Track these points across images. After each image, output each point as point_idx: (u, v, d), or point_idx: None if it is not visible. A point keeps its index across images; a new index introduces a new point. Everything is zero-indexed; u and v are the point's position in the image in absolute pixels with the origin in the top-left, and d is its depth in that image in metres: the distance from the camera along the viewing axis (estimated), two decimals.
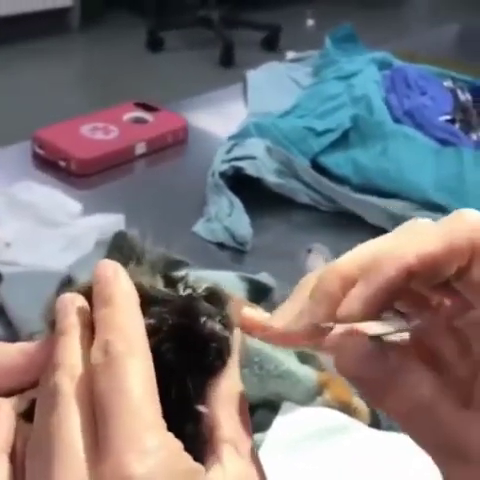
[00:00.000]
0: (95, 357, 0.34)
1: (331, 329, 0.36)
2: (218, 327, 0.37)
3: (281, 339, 0.37)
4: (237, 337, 0.39)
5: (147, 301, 0.38)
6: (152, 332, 0.36)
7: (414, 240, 0.35)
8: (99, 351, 0.34)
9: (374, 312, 0.35)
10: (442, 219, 0.36)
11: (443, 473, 0.36)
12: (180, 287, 0.40)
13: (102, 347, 0.34)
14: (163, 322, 0.37)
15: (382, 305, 0.34)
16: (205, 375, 0.37)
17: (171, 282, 0.40)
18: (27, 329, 0.79)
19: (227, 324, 0.38)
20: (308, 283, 0.38)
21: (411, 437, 0.36)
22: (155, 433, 0.32)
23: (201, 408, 0.37)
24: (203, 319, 0.37)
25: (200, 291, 0.39)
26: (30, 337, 0.78)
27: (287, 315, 0.37)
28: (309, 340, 0.37)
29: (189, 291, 0.39)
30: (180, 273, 0.41)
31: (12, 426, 0.37)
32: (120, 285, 0.37)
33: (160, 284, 0.40)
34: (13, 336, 0.80)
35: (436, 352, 0.37)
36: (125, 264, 0.42)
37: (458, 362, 0.37)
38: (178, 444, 0.33)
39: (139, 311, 0.37)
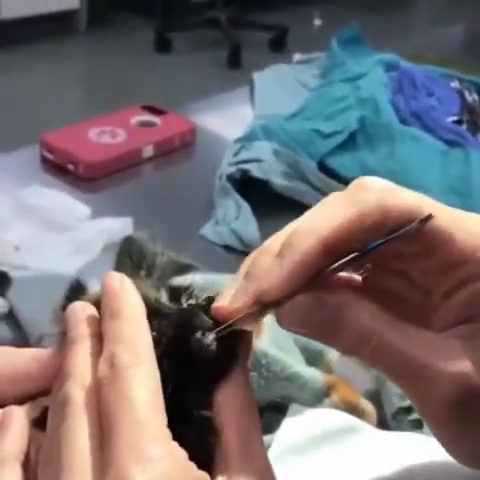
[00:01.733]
0: (102, 369, 0.34)
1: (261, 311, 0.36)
2: (210, 342, 0.37)
3: (228, 317, 0.37)
4: (247, 341, 0.39)
5: (151, 314, 0.38)
6: (154, 344, 0.37)
7: (326, 214, 0.36)
8: (106, 363, 0.35)
9: (293, 287, 0.36)
10: (346, 190, 0.37)
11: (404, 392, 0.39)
12: (183, 299, 0.40)
13: (109, 359, 0.35)
14: (163, 335, 0.37)
15: (300, 279, 0.36)
16: (208, 383, 0.37)
17: (176, 294, 0.40)
18: (37, 332, 0.80)
19: (227, 333, 0.38)
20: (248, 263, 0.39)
21: (371, 366, 0.38)
22: (159, 443, 0.33)
23: (208, 414, 0.37)
24: (198, 333, 0.37)
25: (200, 301, 0.40)
26: (40, 340, 0.79)
27: (227, 296, 0.38)
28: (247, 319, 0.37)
29: (192, 302, 0.39)
30: (185, 283, 0.41)
31: (26, 434, 0.37)
32: (127, 297, 0.37)
33: (164, 296, 0.40)
34: (23, 339, 0.81)
35: (385, 289, 0.39)
36: (135, 271, 0.42)
37: (408, 293, 0.40)
38: (183, 453, 0.33)
39: (146, 323, 0.37)
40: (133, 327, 0.36)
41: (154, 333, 0.37)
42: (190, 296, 0.40)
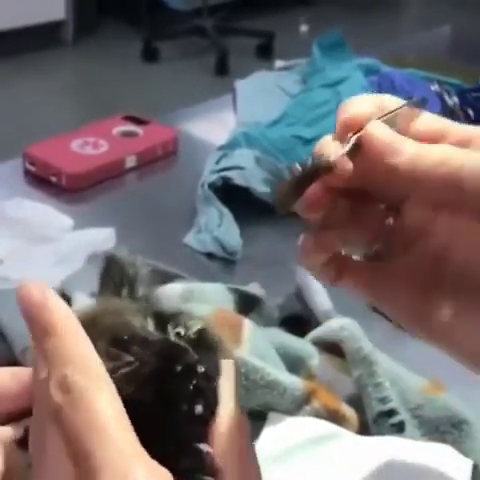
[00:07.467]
0: (56, 395, 0.33)
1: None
2: (200, 382, 0.37)
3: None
4: (231, 367, 0.39)
5: (134, 341, 0.38)
6: (132, 372, 0.36)
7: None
8: (59, 389, 0.33)
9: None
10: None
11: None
12: (170, 327, 0.39)
13: (62, 383, 0.33)
14: (143, 364, 0.37)
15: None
16: (195, 421, 0.37)
17: (162, 321, 0.40)
18: (20, 344, 0.80)
19: (216, 368, 0.38)
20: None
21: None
22: (141, 463, 0.32)
23: (201, 446, 0.37)
24: (180, 368, 0.37)
25: (190, 332, 0.39)
26: (23, 353, 0.79)
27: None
28: None
29: (180, 330, 0.39)
30: (172, 309, 0.41)
31: (1, 455, 0.37)
32: (58, 311, 0.35)
33: (151, 324, 0.39)
34: (7, 351, 0.81)
35: None
36: (117, 290, 0.42)
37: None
38: (165, 472, 0.33)
39: (86, 337, 0.35)
40: (75, 344, 0.35)
41: (130, 357, 0.37)
42: (177, 324, 0.39)
